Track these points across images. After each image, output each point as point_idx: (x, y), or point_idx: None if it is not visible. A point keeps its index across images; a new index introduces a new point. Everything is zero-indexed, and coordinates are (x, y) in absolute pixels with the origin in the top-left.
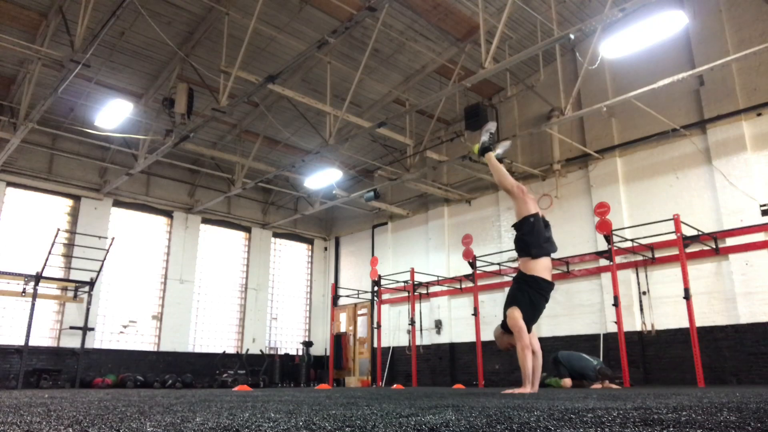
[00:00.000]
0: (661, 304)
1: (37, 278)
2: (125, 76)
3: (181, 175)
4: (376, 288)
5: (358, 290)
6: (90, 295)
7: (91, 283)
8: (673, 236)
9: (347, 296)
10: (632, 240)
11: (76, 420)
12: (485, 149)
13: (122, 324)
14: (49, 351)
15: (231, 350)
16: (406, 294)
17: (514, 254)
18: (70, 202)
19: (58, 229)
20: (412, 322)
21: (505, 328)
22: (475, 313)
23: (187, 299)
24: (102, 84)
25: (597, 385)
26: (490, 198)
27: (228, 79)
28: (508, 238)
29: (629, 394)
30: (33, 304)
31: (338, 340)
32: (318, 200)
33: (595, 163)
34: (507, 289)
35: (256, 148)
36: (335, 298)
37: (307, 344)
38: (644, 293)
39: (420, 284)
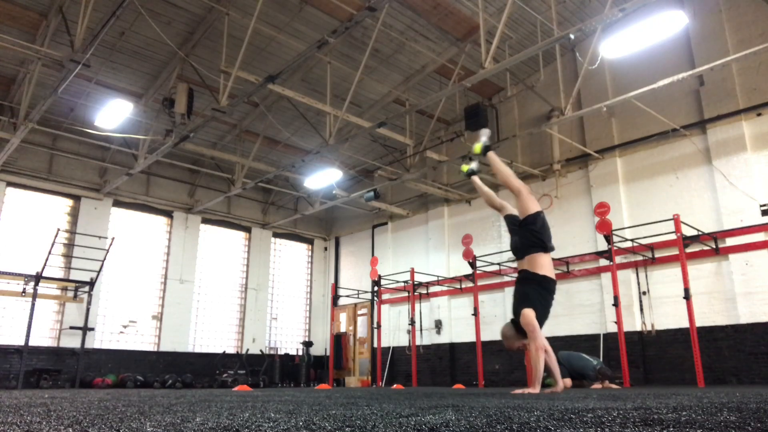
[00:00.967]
0: (661, 304)
1: (37, 278)
2: (125, 76)
3: (181, 175)
4: (376, 288)
5: (358, 290)
6: (90, 295)
7: (91, 283)
8: (673, 236)
9: (347, 296)
10: (632, 240)
11: (76, 420)
12: (487, 148)
13: (122, 324)
14: (49, 351)
15: (231, 350)
16: (406, 294)
17: None
18: (70, 202)
19: (58, 229)
20: (412, 322)
21: (517, 327)
22: (475, 313)
23: (187, 299)
24: (102, 84)
25: (597, 385)
26: None
27: (228, 79)
28: (508, 238)
29: (629, 394)
30: (33, 304)
31: (338, 340)
32: (318, 200)
33: (595, 163)
34: (507, 289)
35: (256, 148)
36: (335, 298)
37: (307, 344)
38: (644, 293)
39: (420, 284)
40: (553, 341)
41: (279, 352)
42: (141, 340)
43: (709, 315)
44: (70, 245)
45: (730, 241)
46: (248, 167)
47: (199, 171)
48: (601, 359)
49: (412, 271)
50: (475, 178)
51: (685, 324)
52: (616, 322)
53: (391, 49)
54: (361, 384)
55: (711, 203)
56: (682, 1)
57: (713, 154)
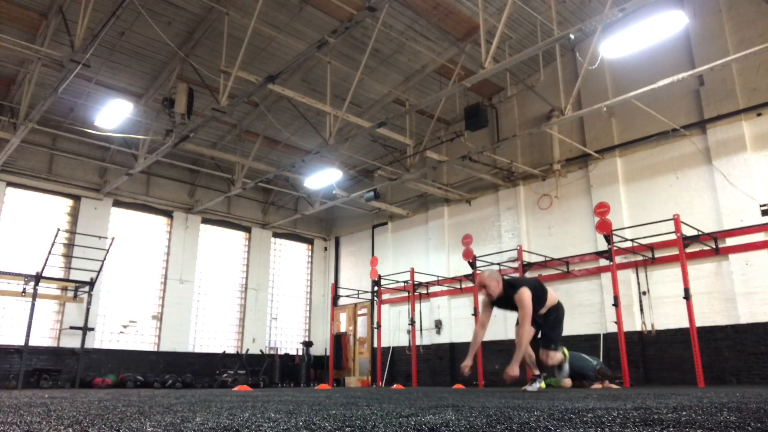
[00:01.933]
0: (661, 304)
1: (37, 278)
2: (125, 76)
3: (181, 175)
4: (376, 288)
5: (358, 290)
6: (90, 295)
7: (91, 283)
8: (673, 236)
9: (347, 296)
10: (632, 240)
11: (76, 420)
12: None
13: (122, 324)
14: (49, 351)
15: (231, 350)
16: (406, 294)
17: (514, 254)
18: (70, 202)
19: (58, 229)
20: (412, 322)
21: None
22: (475, 313)
23: (187, 299)
24: (102, 84)
25: (597, 386)
26: (490, 198)
27: (228, 79)
28: (508, 238)
29: (629, 394)
30: (33, 304)
31: (338, 340)
32: (318, 200)
33: (595, 163)
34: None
35: (256, 148)
36: (335, 298)
37: (307, 344)
38: (644, 293)
39: (420, 284)
40: None
41: (279, 352)
42: (141, 340)
43: (709, 315)
44: (70, 245)
45: (730, 241)
46: (248, 167)
47: (199, 171)
48: (601, 359)
49: (412, 271)
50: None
51: (685, 324)
52: (616, 322)
53: (391, 49)
54: (361, 384)
55: (711, 203)
56: (682, 1)
57: (713, 154)
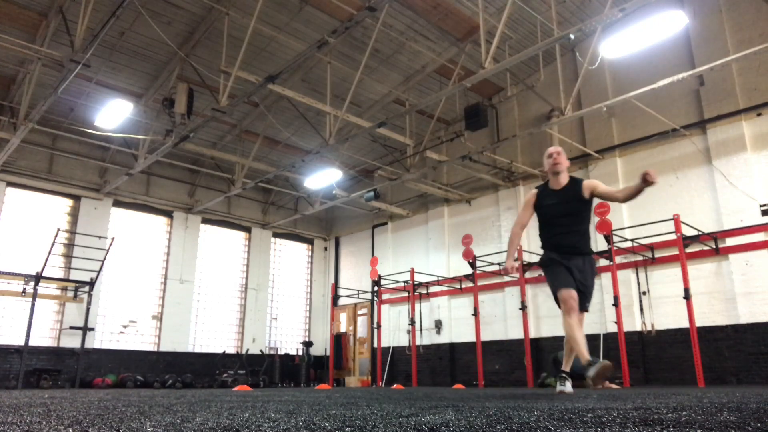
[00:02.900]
0: (661, 304)
1: (37, 278)
2: (125, 76)
3: (181, 175)
4: (376, 288)
5: (358, 290)
6: (90, 295)
7: (91, 283)
8: (673, 236)
9: (347, 296)
10: (632, 240)
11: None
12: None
13: (122, 324)
14: (49, 351)
15: (231, 350)
16: (406, 294)
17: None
18: (70, 202)
19: (58, 229)
20: (412, 322)
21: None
22: (475, 313)
23: (187, 299)
24: (102, 84)
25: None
26: (490, 198)
27: (228, 79)
28: (508, 237)
29: (629, 394)
30: (33, 304)
31: (338, 340)
32: (318, 200)
33: (595, 163)
34: (507, 289)
35: (256, 148)
36: (335, 298)
37: (307, 344)
38: (644, 293)
39: (420, 284)
40: (554, 341)
41: (279, 352)
42: (141, 340)
43: (709, 315)
44: (70, 245)
45: (730, 241)
46: (248, 167)
47: (199, 171)
48: (601, 359)
49: (412, 271)
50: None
51: (685, 324)
52: (616, 322)
53: (391, 49)
54: (361, 384)
55: (711, 203)
56: (682, 1)
57: (713, 154)
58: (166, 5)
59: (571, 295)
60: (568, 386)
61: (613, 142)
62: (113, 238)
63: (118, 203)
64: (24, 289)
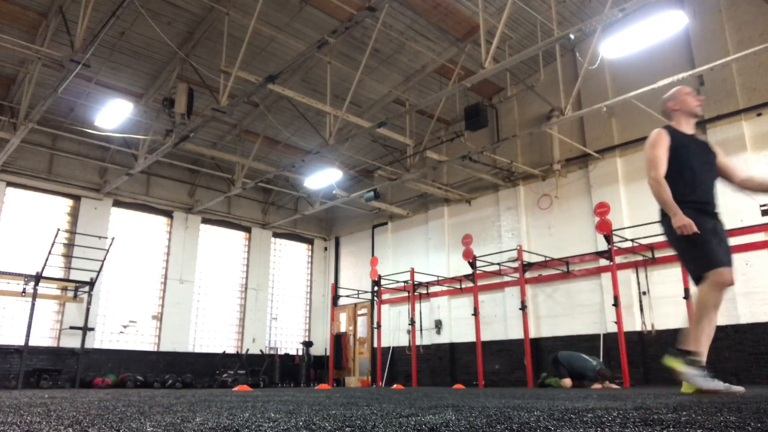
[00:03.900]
0: (661, 304)
1: (37, 278)
2: (125, 76)
3: (181, 175)
4: (376, 288)
5: (358, 290)
6: (90, 295)
7: (91, 283)
8: None
9: (347, 296)
10: (632, 240)
11: (76, 420)
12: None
13: (122, 324)
14: (49, 351)
15: (231, 350)
16: (406, 294)
17: (514, 254)
18: (70, 202)
19: (58, 229)
20: (412, 322)
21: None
22: (475, 313)
23: (187, 299)
24: (102, 84)
25: (597, 386)
26: (490, 198)
27: (228, 79)
28: (508, 238)
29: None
30: (33, 304)
31: (338, 340)
32: (318, 200)
33: (595, 163)
34: (507, 289)
35: (256, 148)
36: (335, 298)
37: (307, 344)
38: (644, 293)
39: (420, 284)
40: (554, 341)
41: (279, 352)
42: (141, 340)
43: None
44: (70, 245)
45: (731, 241)
46: (248, 167)
47: (199, 171)
48: (601, 359)
49: (412, 271)
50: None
51: (685, 324)
52: (616, 322)
53: (391, 49)
54: (361, 384)
55: None
56: (682, 1)
57: None
58: (166, 5)
59: (733, 277)
60: (717, 382)
61: (613, 142)
62: (113, 238)
63: (118, 203)
64: (24, 289)
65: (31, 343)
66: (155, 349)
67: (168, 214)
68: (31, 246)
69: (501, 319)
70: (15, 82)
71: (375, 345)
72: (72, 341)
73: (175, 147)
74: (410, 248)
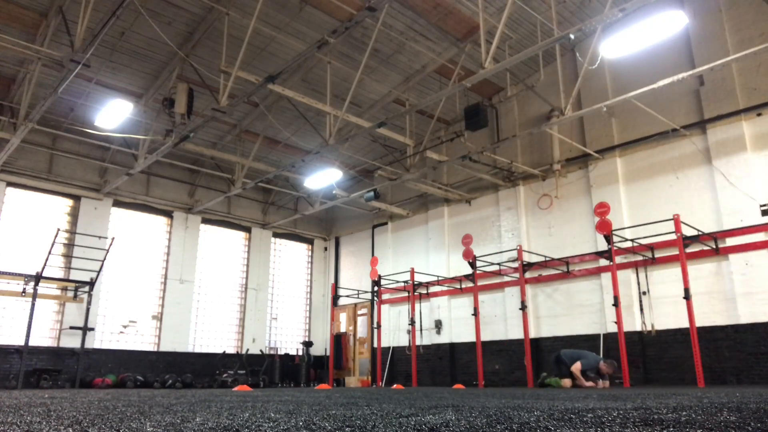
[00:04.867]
0: (661, 304)
1: (37, 278)
2: (125, 76)
3: (181, 175)
4: (376, 288)
5: (358, 290)
6: (90, 295)
7: (91, 283)
8: (673, 236)
9: (347, 296)
10: (632, 240)
11: (76, 420)
12: None
13: (122, 324)
14: (49, 351)
15: (231, 350)
16: (406, 294)
17: (514, 254)
18: (70, 202)
19: (58, 229)
20: (412, 322)
21: None
22: (475, 313)
23: (187, 299)
24: (102, 84)
25: (590, 383)
26: (490, 198)
27: (228, 79)
28: (508, 238)
29: (629, 394)
30: (33, 304)
31: (338, 340)
32: (318, 200)
33: (595, 163)
34: (507, 289)
35: (256, 148)
36: (335, 298)
37: (307, 344)
38: (644, 293)
39: (420, 284)
40: (554, 341)
41: (279, 352)
42: (141, 340)
43: (709, 315)
44: (70, 245)
45: (730, 241)
46: (248, 167)
47: (199, 171)
48: (607, 378)
49: (412, 271)
50: None
51: (685, 324)
52: (616, 322)
53: (391, 49)
54: (361, 384)
55: (711, 203)
56: (682, 1)
57: (713, 154)
58: (166, 5)
59: None
60: None
61: (613, 142)
62: (113, 238)
63: (118, 203)
64: (24, 289)
65: (31, 343)
66: (155, 349)
67: (168, 214)
68: (31, 246)
69: (501, 319)
70: (15, 82)
71: (375, 345)
72: (72, 341)
73: (175, 147)
74: (410, 248)
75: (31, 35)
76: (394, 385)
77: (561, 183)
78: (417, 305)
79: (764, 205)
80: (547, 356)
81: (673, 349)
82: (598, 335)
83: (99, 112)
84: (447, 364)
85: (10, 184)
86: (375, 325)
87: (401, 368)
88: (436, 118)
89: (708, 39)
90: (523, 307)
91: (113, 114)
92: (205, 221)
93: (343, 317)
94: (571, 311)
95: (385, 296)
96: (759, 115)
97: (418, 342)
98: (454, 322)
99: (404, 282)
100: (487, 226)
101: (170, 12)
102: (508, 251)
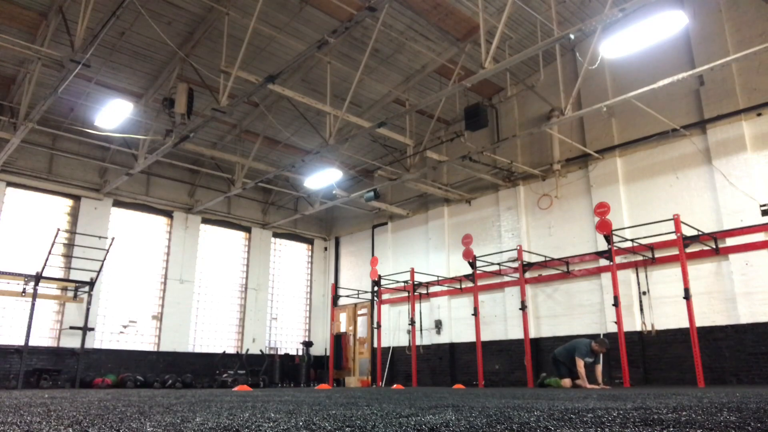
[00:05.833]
0: (661, 304)
1: (37, 278)
2: (125, 76)
3: (181, 175)
4: (376, 288)
5: (358, 290)
6: (90, 295)
7: (91, 283)
8: (673, 236)
9: (347, 296)
10: (632, 240)
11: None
12: None
13: (122, 324)
14: (49, 351)
15: (231, 350)
16: (406, 294)
17: (514, 254)
18: (70, 202)
19: (58, 229)
20: (412, 322)
21: None
22: (475, 313)
23: (187, 299)
24: (102, 84)
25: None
26: (490, 198)
27: (228, 79)
28: (508, 238)
29: (629, 394)
30: (33, 304)
31: (338, 340)
32: (318, 200)
33: (595, 163)
34: (507, 289)
35: (256, 148)
36: (335, 298)
37: (307, 344)
38: (644, 293)
39: (420, 284)
40: (554, 341)
41: (279, 352)
42: (141, 340)
43: (709, 315)
44: (70, 245)
45: (730, 241)
46: (248, 167)
47: (199, 171)
48: (601, 359)
49: (412, 271)
50: None
51: (685, 324)
52: (616, 322)
53: (391, 49)
54: (361, 384)
55: (711, 203)
56: (682, 1)
57: (713, 154)
58: (166, 5)
59: None
60: None
61: (613, 142)
62: (113, 238)
63: (118, 203)
64: (24, 289)
65: (31, 343)
66: (155, 349)
67: (168, 214)
68: (31, 246)
69: (501, 319)
70: (15, 82)
71: (375, 345)
72: (72, 341)
73: (175, 147)
74: (410, 248)
75: (31, 35)
76: (394, 385)
77: (561, 183)
78: (417, 305)
79: (764, 205)
80: (547, 356)
81: (673, 349)
82: (598, 335)
83: (99, 112)
84: (447, 364)
85: (10, 184)
86: (375, 325)
87: (401, 368)
88: (436, 118)
89: (708, 39)
90: (523, 307)
91: (113, 114)
92: (205, 221)
93: (343, 317)
94: (571, 311)
95: (385, 296)
96: (759, 115)
97: (418, 342)
98: (454, 322)
99: (404, 282)
100: (487, 226)
101: (170, 12)
102: (508, 251)
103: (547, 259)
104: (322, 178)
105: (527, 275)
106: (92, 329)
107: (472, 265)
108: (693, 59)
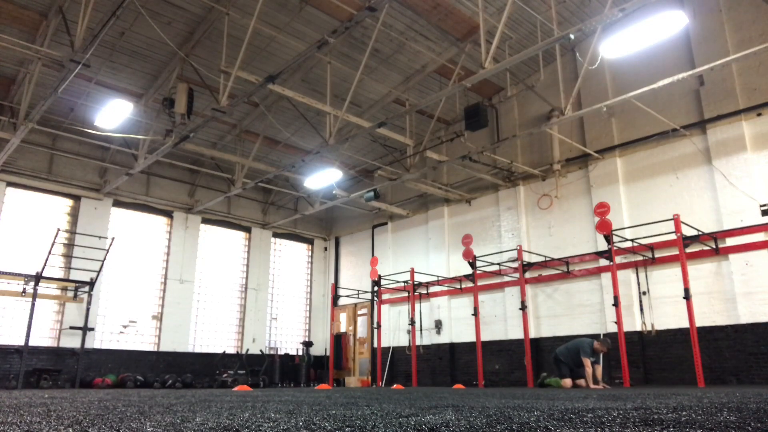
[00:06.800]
0: (661, 304)
1: (37, 278)
2: (125, 76)
3: (181, 175)
4: (376, 288)
5: (358, 290)
6: (90, 295)
7: (91, 283)
8: (673, 236)
9: (347, 296)
10: (632, 240)
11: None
12: None
13: (122, 324)
14: (49, 351)
15: (231, 350)
16: (406, 294)
17: (514, 254)
18: (70, 202)
19: (58, 229)
20: (412, 322)
21: None
22: (475, 313)
23: (187, 299)
24: (102, 84)
25: (596, 386)
26: (490, 198)
27: (228, 79)
28: (508, 238)
29: (629, 394)
30: (33, 304)
31: (338, 340)
32: (318, 200)
33: (595, 163)
34: (507, 289)
35: (256, 148)
36: (335, 298)
37: (307, 344)
38: (644, 293)
39: (420, 284)
40: (554, 341)
41: (279, 352)
42: (141, 340)
43: (709, 315)
44: (70, 245)
45: (730, 241)
46: (248, 167)
47: (199, 171)
48: (601, 359)
49: (412, 271)
50: None
51: (685, 324)
52: (616, 322)
53: (391, 49)
54: (361, 384)
55: (711, 203)
56: (682, 1)
57: (713, 154)
58: (166, 5)
59: None
60: None
61: (613, 142)
62: (113, 238)
63: (118, 203)
64: (24, 289)
65: (31, 343)
66: (155, 349)
67: (168, 214)
68: (31, 246)
69: (501, 319)
70: (15, 82)
71: (375, 345)
72: (72, 341)
73: (175, 147)
74: (410, 248)
75: (31, 35)
76: (394, 385)
77: (561, 183)
78: (417, 305)
79: (764, 205)
80: (547, 356)
81: (673, 349)
82: (598, 335)
83: (99, 112)
84: (447, 364)
85: (10, 184)
86: (375, 325)
87: (401, 368)
88: (436, 118)
89: (708, 39)
90: (523, 307)
91: (113, 114)
92: (205, 221)
93: (343, 317)
94: (571, 311)
95: (385, 296)
96: (759, 115)
97: (418, 342)
98: (454, 322)
99: (404, 282)
100: (487, 226)
101: (170, 12)
102: (508, 251)
103: (547, 259)
104: (322, 178)
105: (527, 275)
106: (92, 329)
107: (472, 265)
108: (693, 59)
